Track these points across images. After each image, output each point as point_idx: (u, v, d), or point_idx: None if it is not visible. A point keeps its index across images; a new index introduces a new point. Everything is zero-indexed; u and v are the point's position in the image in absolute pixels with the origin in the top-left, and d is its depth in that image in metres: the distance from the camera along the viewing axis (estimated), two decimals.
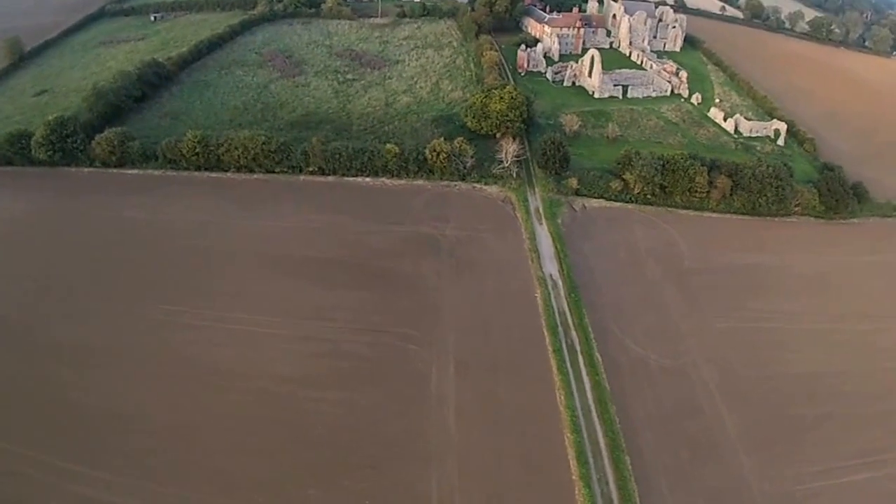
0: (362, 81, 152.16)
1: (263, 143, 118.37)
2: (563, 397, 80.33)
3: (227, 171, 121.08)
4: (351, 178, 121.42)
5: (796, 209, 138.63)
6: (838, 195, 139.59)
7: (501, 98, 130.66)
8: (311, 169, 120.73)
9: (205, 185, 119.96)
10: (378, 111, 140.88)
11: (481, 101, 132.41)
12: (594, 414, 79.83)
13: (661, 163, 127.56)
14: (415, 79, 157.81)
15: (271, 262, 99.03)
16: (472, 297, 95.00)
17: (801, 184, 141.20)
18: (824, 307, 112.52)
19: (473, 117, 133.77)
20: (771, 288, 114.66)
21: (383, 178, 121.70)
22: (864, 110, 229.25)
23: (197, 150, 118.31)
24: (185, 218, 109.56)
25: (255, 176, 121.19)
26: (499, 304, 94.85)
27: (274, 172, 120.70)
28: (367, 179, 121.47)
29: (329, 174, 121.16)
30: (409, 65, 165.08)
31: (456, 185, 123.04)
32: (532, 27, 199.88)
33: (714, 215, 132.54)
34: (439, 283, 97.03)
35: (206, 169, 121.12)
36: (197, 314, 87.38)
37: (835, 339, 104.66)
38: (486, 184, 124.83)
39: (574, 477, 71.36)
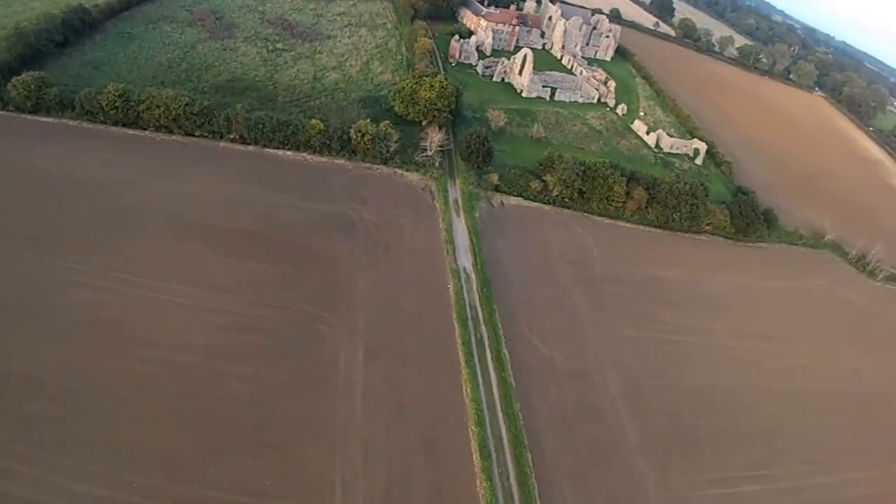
0: (292, 52, 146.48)
1: (186, 105, 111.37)
2: (469, 390, 79.63)
3: (145, 129, 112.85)
4: (272, 150, 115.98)
5: (707, 228, 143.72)
6: (749, 219, 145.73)
7: (432, 86, 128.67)
8: (232, 136, 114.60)
9: (121, 141, 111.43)
10: (305, 85, 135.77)
11: (411, 87, 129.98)
12: (499, 409, 79.51)
13: (583, 168, 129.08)
14: (345, 56, 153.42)
15: (184, 228, 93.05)
16: (386, 283, 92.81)
17: (715, 204, 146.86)
18: (727, 325, 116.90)
19: (402, 102, 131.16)
20: (677, 302, 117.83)
21: (305, 154, 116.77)
22: (781, 141, 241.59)
23: (117, 104, 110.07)
24: (99, 173, 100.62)
25: (174, 137, 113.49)
26: (411, 292, 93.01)
27: (194, 136, 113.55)
28: (289, 153, 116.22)
29: (250, 143, 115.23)
30: (340, 41, 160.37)
31: (378, 169, 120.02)
32: (468, 19, 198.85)
33: (628, 225, 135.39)
34: (353, 266, 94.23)
35: (124, 125, 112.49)
36: (104, 275, 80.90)
37: (734, 356, 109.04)
38: (407, 170, 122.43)
39: (476, 469, 71.19)
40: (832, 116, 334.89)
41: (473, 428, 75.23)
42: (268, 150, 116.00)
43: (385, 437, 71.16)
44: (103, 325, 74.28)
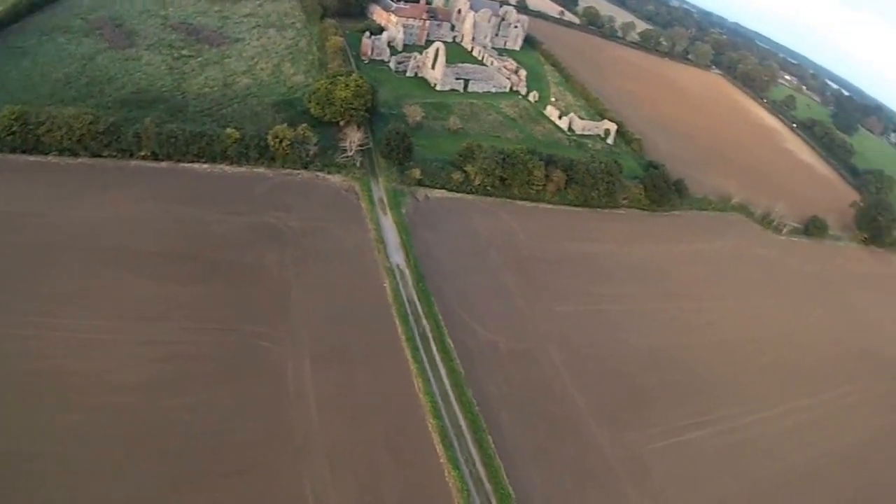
0: (199, 59, 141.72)
1: (91, 123, 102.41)
2: (420, 384, 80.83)
3: (47, 153, 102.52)
4: (187, 164, 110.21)
5: (624, 202, 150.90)
6: (662, 190, 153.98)
7: (347, 85, 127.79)
8: (143, 153, 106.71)
9: (22, 170, 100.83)
10: (216, 92, 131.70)
11: (326, 88, 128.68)
12: (452, 398, 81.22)
13: (502, 156, 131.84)
14: (255, 59, 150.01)
15: (103, 258, 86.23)
16: (321, 289, 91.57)
17: (629, 179, 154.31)
18: (652, 290, 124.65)
19: (317, 104, 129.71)
20: (604, 274, 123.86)
21: (223, 165, 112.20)
22: (685, 116, 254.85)
23: (14, 128, 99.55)
24: (1, 209, 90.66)
25: (81, 160, 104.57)
26: (348, 295, 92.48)
27: (102, 156, 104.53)
28: (205, 166, 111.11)
29: (163, 159, 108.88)
30: (249, 44, 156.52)
31: (299, 174, 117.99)
32: (378, 15, 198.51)
33: (550, 207, 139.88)
34: (286, 275, 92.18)
35: (23, 151, 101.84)
36: (20, 321, 72.64)
37: (663, 317, 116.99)
38: (329, 173, 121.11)
39: (442, 460, 72.66)
40: (729, 91, 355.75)
41: (432, 420, 76.54)
42: (183, 164, 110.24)
43: (347, 442, 70.88)
44: (28, 376, 67.07)
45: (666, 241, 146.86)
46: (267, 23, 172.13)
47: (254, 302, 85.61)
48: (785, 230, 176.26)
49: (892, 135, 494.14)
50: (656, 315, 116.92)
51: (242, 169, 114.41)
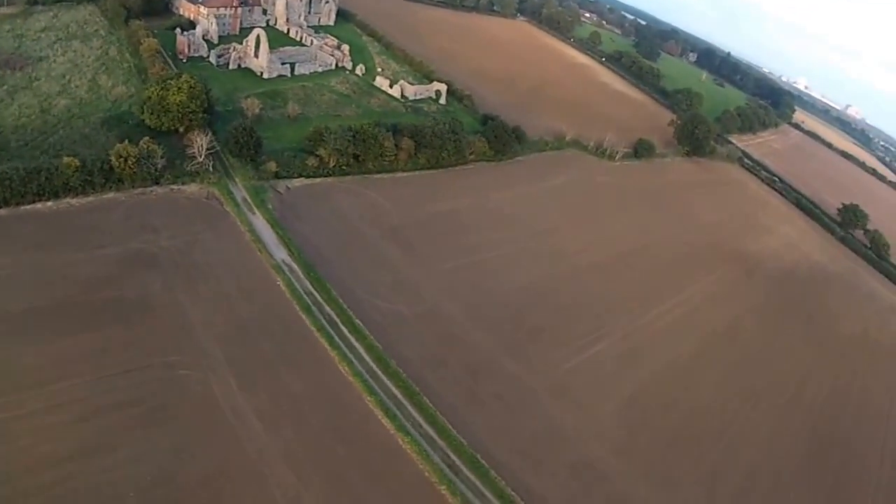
0: (4, 86, 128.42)
1: None
2: (346, 368, 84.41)
3: None
4: (28, 207, 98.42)
5: (472, 157, 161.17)
6: (503, 139, 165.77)
7: (179, 89, 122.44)
8: None
9: None
10: (35, 120, 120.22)
11: (158, 95, 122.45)
12: (379, 373, 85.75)
13: (352, 133, 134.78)
14: (67, 77, 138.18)
15: None
16: (218, 303, 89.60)
17: (471, 135, 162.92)
18: (518, 232, 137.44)
19: (152, 113, 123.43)
20: (471, 226, 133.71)
21: (67, 199, 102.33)
22: (503, 65, 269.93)
23: None
24: None
25: None
26: (247, 301, 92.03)
27: None
28: (49, 203, 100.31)
29: (0, 206, 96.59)
30: (55, 61, 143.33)
31: (152, 191, 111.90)
32: (185, 9, 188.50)
33: (404, 174, 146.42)
34: (177, 298, 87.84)
35: None
36: None
37: (535, 254, 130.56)
38: (183, 183, 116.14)
39: (392, 432, 77.73)
40: (538, 36, 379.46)
41: (369, 398, 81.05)
42: (23, 207, 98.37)
43: (299, 444, 72.64)
44: None
45: (517, 186, 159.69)
46: (68, 35, 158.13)
47: (155, 334, 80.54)
48: (618, 156, 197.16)
49: (691, 55, 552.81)
50: (528, 253, 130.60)
51: (90, 198, 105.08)
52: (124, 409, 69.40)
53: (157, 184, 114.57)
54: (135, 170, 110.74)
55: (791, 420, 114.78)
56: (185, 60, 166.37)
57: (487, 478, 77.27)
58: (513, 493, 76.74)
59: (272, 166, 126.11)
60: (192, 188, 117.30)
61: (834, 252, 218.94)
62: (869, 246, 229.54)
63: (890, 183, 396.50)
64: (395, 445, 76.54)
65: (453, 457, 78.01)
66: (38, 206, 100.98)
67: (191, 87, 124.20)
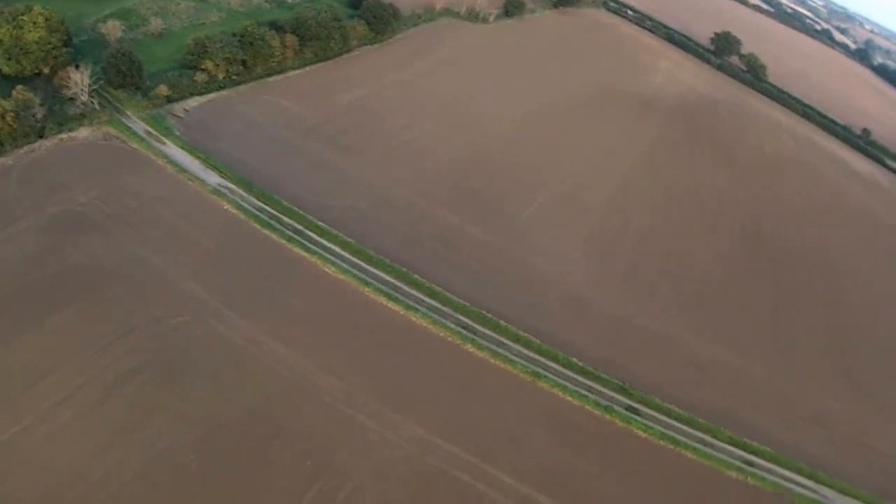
0: None
1: None
2: (332, 268, 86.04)
3: None
4: None
5: (355, 43, 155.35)
6: (382, 20, 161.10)
7: (35, 23, 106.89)
8: None
9: None
10: None
11: (12, 35, 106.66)
12: (363, 264, 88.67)
13: (238, 39, 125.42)
14: None
15: None
16: (176, 244, 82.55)
17: (348, 20, 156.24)
18: (430, 106, 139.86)
19: (8, 57, 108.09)
20: (383, 112, 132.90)
21: None
22: None
23: None
24: None
25: None
26: (204, 234, 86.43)
27: None
28: None
29: None
30: None
31: (41, 146, 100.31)
32: None
33: (297, 72, 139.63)
34: (135, 253, 78.64)
35: None
36: None
37: (455, 124, 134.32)
38: (70, 130, 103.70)
39: (402, 312, 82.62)
40: None
41: (366, 289, 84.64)
42: None
43: (328, 352, 74.19)
44: None
45: (409, 64, 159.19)
46: None
47: (128, 293, 72.72)
48: (491, 18, 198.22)
49: None
50: (448, 125, 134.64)
51: None
52: (135, 377, 63.87)
53: (41, 137, 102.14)
54: (14, 126, 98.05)
55: (723, 231, 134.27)
56: None
57: (499, 327, 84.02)
58: (526, 334, 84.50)
59: (163, 90, 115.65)
60: (83, 133, 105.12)
61: (715, 80, 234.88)
62: (746, 70, 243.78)
63: (752, 6, 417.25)
64: (410, 323, 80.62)
65: (464, 319, 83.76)
66: None
67: (46, 19, 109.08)
